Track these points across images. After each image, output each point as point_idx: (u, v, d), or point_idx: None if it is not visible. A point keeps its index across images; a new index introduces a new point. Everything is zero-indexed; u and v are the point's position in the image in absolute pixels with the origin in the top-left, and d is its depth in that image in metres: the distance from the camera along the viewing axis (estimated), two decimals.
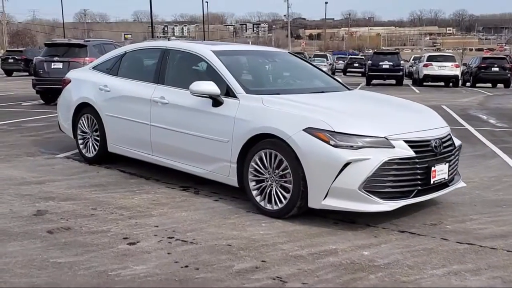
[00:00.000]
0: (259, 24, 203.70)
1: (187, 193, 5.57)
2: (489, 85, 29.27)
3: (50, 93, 14.64)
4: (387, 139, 4.46)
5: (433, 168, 4.62)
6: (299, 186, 4.52)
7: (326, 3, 78.96)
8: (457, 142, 5.25)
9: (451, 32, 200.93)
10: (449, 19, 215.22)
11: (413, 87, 27.86)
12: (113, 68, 6.70)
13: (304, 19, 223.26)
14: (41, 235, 4.26)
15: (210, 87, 5.15)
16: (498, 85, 29.27)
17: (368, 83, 28.95)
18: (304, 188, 4.51)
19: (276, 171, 4.71)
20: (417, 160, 4.52)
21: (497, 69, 28.42)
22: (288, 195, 4.63)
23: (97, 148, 6.74)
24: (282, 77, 6.22)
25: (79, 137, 7.01)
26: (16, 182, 5.92)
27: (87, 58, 13.96)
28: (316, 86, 6.05)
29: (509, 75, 28.58)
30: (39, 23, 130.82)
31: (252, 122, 4.88)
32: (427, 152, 4.63)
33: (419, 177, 4.55)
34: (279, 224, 4.62)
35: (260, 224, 4.63)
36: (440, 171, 4.72)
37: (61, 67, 14.02)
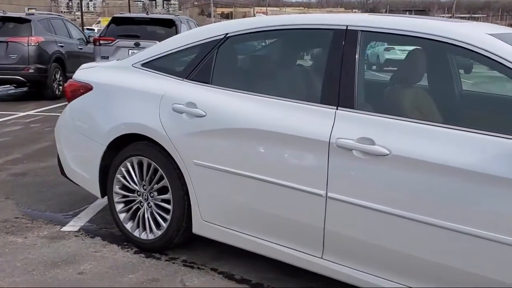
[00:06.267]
0: (170, 0, 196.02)
1: None
2: None
3: None
4: None
5: None
6: None
7: None
8: None
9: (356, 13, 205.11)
10: (354, 1, 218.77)
11: None
12: (197, 69, 3.35)
13: None
14: None
15: None
16: None
17: None
18: None
19: None
20: None
21: None
22: None
23: (165, 224, 3.41)
24: None
25: (117, 198, 3.62)
26: None
27: (32, 38, 10.28)
28: None
29: None
30: None
31: None
32: None
33: None
34: None
35: None
36: None
37: None
